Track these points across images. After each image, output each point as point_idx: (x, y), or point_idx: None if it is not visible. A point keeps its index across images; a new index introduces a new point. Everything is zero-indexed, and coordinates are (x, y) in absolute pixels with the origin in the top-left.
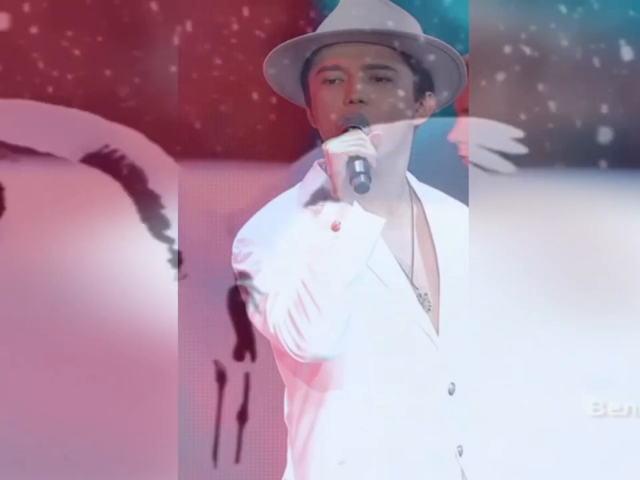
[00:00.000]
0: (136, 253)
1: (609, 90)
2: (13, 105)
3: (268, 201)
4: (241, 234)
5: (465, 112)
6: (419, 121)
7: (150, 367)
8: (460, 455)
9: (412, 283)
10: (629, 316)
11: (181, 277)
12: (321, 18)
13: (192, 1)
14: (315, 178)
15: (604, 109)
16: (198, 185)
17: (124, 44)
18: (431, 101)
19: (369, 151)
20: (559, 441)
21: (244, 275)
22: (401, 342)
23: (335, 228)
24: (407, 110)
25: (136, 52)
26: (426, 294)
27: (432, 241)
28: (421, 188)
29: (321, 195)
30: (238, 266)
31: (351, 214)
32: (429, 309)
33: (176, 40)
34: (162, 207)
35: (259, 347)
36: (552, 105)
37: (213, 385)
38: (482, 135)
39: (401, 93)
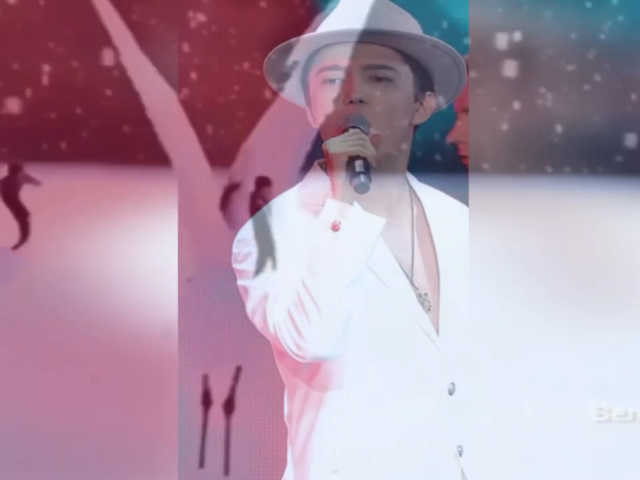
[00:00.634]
0: (136, 253)
1: (609, 90)
2: None
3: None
4: (241, 234)
5: (465, 112)
6: (418, 121)
7: (150, 367)
8: (460, 455)
9: (412, 283)
10: (630, 316)
11: (186, 280)
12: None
13: None
14: (314, 178)
15: (605, 109)
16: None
17: None
18: (431, 101)
19: (368, 151)
20: (559, 440)
21: (244, 275)
22: (401, 342)
23: (335, 228)
24: (407, 110)
25: None
26: (426, 294)
27: (432, 241)
28: (421, 188)
29: (321, 195)
30: (238, 266)
31: (351, 214)
32: (429, 309)
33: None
34: (162, 206)
35: (259, 347)
36: (552, 106)
37: (213, 385)
38: None
39: (401, 93)
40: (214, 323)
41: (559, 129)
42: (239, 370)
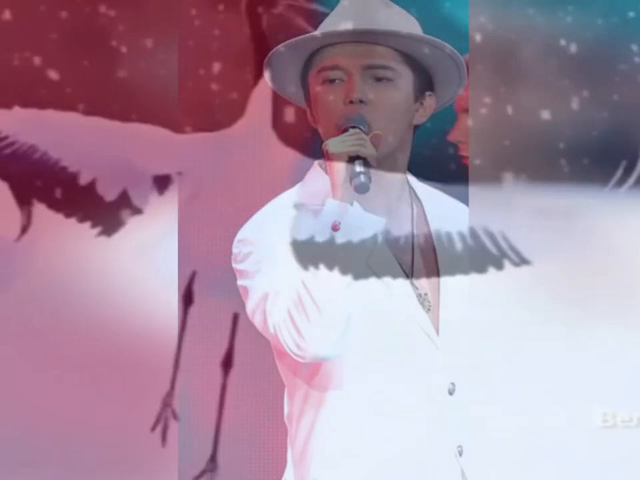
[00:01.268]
0: (136, 253)
1: (610, 91)
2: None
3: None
4: (241, 234)
5: (465, 112)
6: (418, 121)
7: (150, 367)
8: (460, 455)
9: (412, 283)
10: (631, 316)
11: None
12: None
13: None
14: (314, 178)
15: (606, 111)
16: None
17: None
18: (431, 101)
19: (368, 151)
20: (559, 440)
21: (244, 275)
22: (401, 342)
23: (335, 228)
24: (407, 110)
25: None
26: (426, 294)
27: (432, 241)
28: (421, 188)
29: (321, 195)
30: (238, 266)
31: (351, 214)
32: (429, 309)
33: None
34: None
35: (259, 347)
36: (553, 106)
37: (212, 385)
38: None
39: (401, 93)
40: (214, 323)
41: (559, 130)
42: (236, 317)
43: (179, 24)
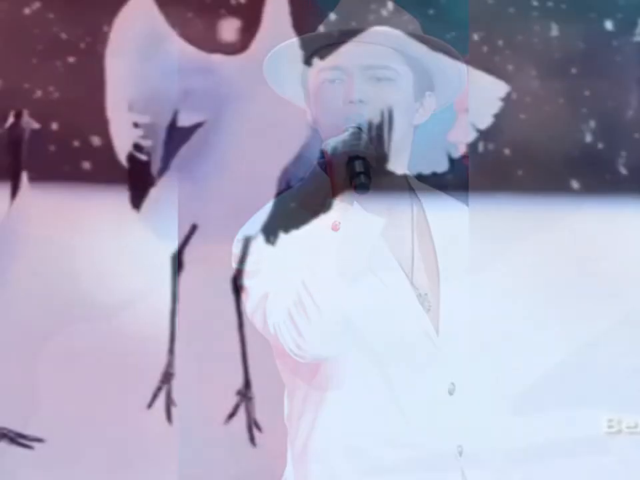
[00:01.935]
0: (136, 252)
1: (611, 92)
2: None
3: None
4: (241, 234)
5: (465, 112)
6: (418, 121)
7: (149, 367)
8: (460, 455)
9: (412, 283)
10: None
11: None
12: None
13: None
14: (314, 178)
15: (607, 112)
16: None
17: None
18: (431, 101)
19: (368, 151)
20: (559, 440)
21: (244, 275)
22: (401, 342)
23: (335, 228)
24: (407, 110)
25: None
26: (426, 294)
27: (432, 241)
28: (421, 188)
29: (321, 195)
30: (238, 266)
31: (351, 214)
32: (429, 309)
33: None
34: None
35: (258, 347)
36: (553, 107)
37: (213, 385)
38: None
39: (401, 93)
40: (214, 322)
41: (560, 133)
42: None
43: None
